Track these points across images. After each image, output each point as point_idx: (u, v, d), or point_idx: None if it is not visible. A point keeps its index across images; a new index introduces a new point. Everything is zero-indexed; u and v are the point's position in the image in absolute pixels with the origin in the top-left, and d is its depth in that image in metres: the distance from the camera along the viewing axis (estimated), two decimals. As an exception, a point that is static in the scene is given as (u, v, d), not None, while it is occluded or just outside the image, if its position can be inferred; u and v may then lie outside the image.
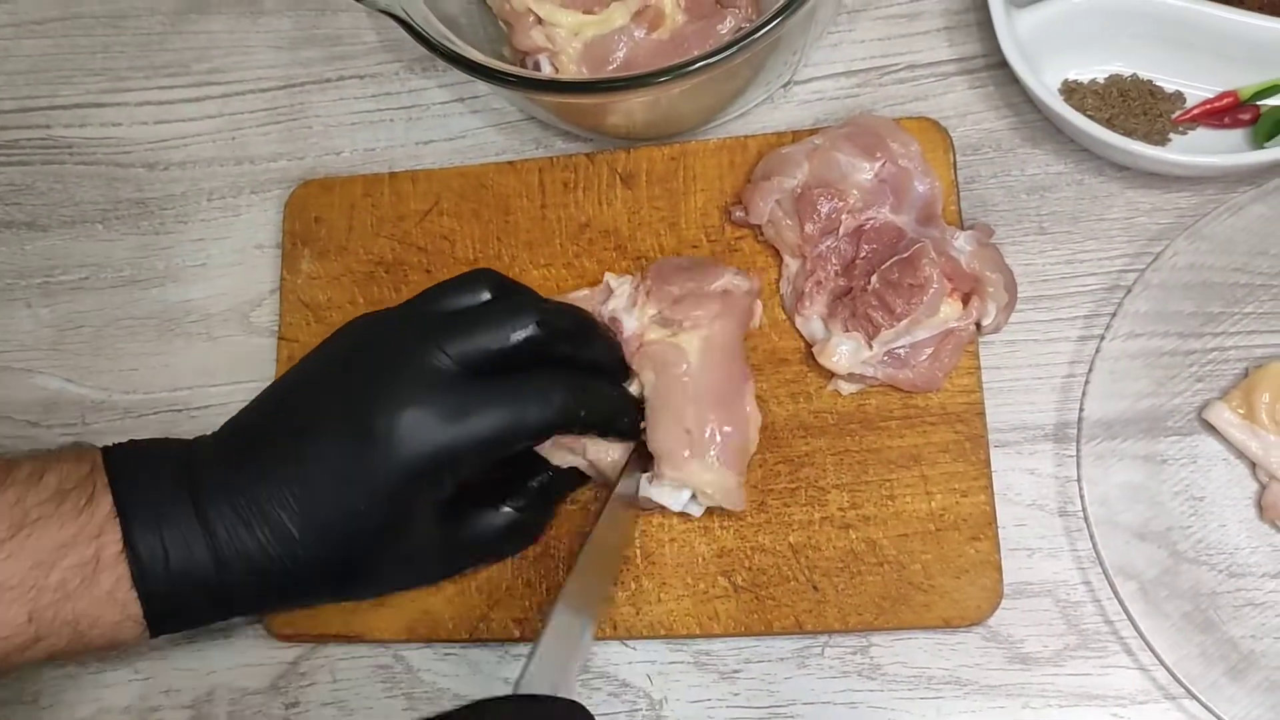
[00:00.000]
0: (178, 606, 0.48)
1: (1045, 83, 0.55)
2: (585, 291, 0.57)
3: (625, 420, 0.52)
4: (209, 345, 0.64)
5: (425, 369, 0.47)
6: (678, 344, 0.53)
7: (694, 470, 0.52)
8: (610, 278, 0.57)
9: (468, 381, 0.47)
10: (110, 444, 0.50)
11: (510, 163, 0.61)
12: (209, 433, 0.51)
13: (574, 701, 0.44)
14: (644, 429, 0.53)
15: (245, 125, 0.67)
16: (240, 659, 0.58)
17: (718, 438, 0.52)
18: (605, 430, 0.52)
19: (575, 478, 0.55)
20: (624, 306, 0.55)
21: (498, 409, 0.47)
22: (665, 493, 0.52)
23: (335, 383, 0.49)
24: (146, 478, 0.48)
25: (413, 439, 0.46)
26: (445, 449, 0.46)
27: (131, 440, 0.50)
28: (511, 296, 0.51)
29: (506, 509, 0.52)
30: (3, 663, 0.47)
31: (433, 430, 0.46)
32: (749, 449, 0.54)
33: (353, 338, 0.51)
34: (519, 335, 0.48)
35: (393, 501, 0.47)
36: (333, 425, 0.47)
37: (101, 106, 0.69)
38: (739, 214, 0.57)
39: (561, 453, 0.54)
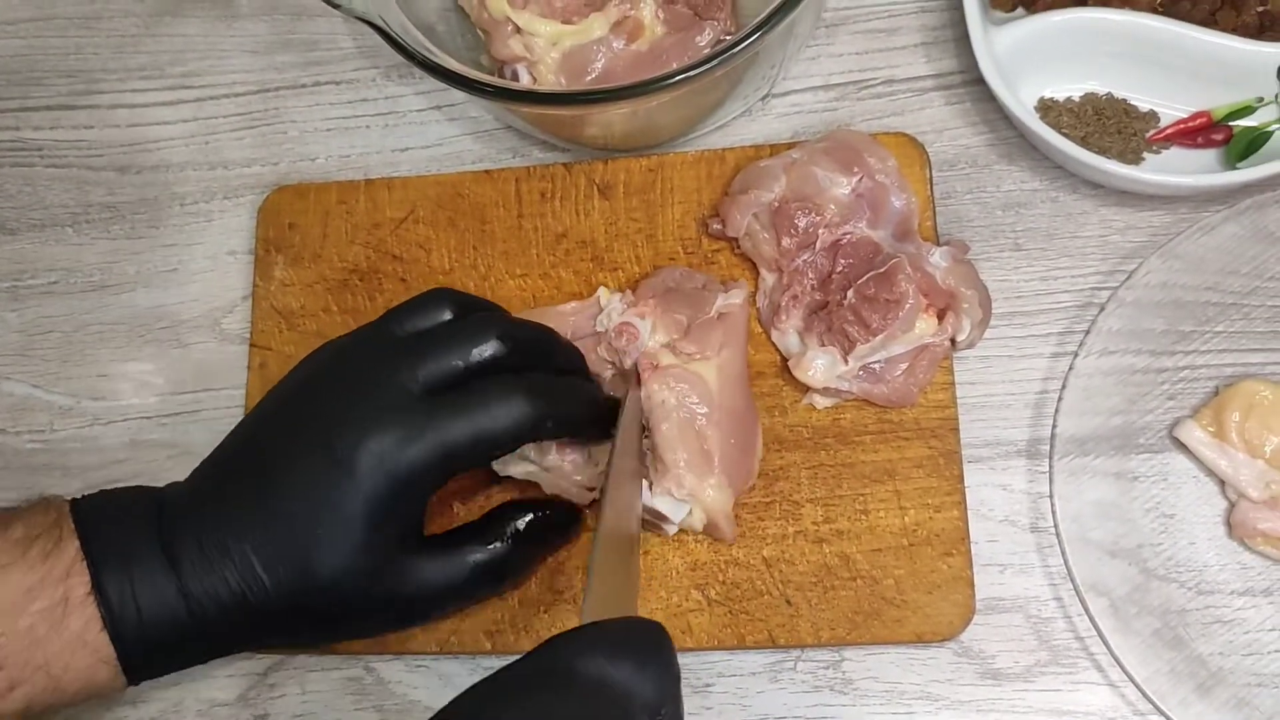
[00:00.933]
0: (152, 648, 0.47)
1: (1021, 100, 0.55)
2: (573, 305, 0.57)
3: (597, 420, 0.51)
4: (180, 352, 0.63)
5: (389, 394, 0.46)
6: (697, 371, 0.53)
7: (704, 491, 0.52)
8: (603, 292, 0.57)
9: (432, 399, 0.47)
10: (79, 496, 0.49)
11: (487, 171, 0.61)
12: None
13: (650, 620, 0.43)
14: (648, 438, 0.53)
15: (219, 130, 0.66)
16: (208, 670, 0.57)
17: (729, 463, 0.52)
18: (577, 432, 0.52)
19: (564, 515, 0.54)
20: (623, 315, 0.55)
21: (463, 418, 0.46)
22: (667, 504, 0.52)
23: (300, 415, 0.48)
24: (113, 521, 0.47)
25: (381, 463, 0.46)
26: (414, 466, 0.46)
27: (101, 490, 0.50)
28: (472, 314, 0.50)
29: (482, 548, 0.50)
30: None
31: (401, 451, 0.46)
32: (753, 476, 0.54)
33: (315, 368, 0.50)
34: (482, 351, 0.47)
35: (364, 529, 0.46)
36: (300, 458, 0.47)
37: (73, 109, 0.68)
38: (716, 227, 0.57)
39: (518, 463, 0.53)
